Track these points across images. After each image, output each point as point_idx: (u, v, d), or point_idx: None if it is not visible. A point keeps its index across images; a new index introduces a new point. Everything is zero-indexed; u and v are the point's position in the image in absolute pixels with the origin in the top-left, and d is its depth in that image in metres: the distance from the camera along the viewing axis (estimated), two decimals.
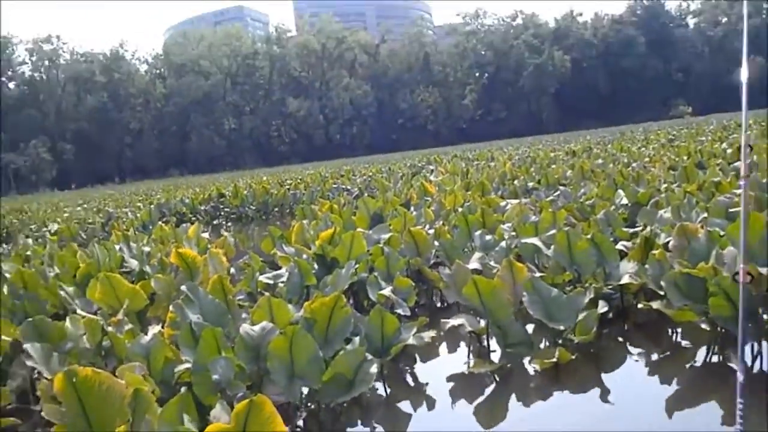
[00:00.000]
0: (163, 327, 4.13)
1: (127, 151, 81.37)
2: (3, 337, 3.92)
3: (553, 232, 5.39)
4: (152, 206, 15.84)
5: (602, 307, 4.20)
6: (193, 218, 16.17)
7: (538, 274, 4.84)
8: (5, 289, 5.52)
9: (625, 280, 4.55)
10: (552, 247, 5.02)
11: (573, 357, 3.92)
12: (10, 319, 4.57)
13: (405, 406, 3.98)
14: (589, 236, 5.03)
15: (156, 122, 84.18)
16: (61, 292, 5.05)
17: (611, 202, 7.26)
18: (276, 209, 17.14)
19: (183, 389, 2.58)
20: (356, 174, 23.49)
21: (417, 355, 4.65)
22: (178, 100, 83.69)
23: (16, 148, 72.64)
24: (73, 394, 2.07)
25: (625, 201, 7.13)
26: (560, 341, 4.26)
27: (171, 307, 3.91)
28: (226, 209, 17.76)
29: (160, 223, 11.05)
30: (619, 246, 5.23)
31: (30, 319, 3.86)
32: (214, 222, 16.33)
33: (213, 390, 3.22)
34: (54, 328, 3.81)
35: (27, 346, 3.45)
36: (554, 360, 3.85)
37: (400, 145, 74.32)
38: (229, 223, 16.31)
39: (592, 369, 4.07)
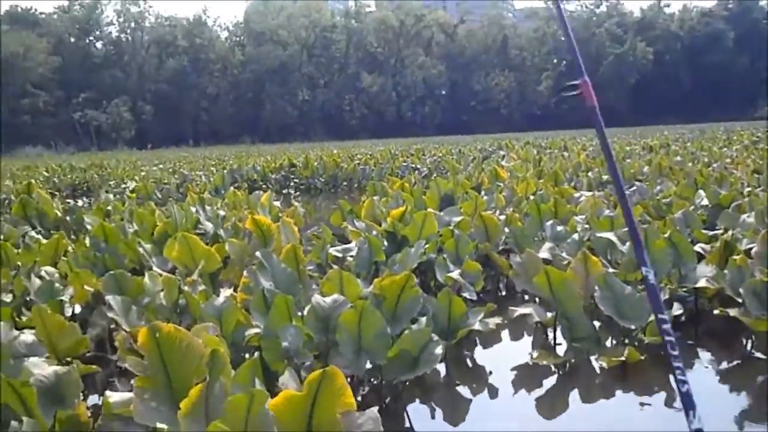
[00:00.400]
0: (234, 291, 4.24)
1: (202, 115, 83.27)
2: (85, 287, 4.10)
3: None
4: (225, 171, 16.18)
5: (676, 310, 4.10)
6: (264, 186, 16.45)
7: (610, 270, 4.75)
8: (87, 242, 5.76)
9: (702, 283, 4.42)
10: (627, 243, 4.91)
11: (642, 357, 3.84)
12: (90, 270, 4.77)
13: (465, 391, 3.98)
14: (666, 235, 4.90)
15: (232, 89, 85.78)
16: (140, 249, 5.23)
17: (690, 202, 7.04)
18: (344, 183, 17.27)
19: (256, 354, 2.64)
20: (426, 154, 23.41)
21: (480, 341, 4.64)
22: (255, 68, 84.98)
23: (99, 105, 75.38)
24: (155, 348, 2.15)
25: (705, 202, 6.90)
26: (629, 340, 4.18)
27: (245, 273, 3.99)
28: (295, 179, 17.99)
29: (232, 188, 11.28)
30: (697, 248, 5.08)
31: (112, 272, 4.02)
32: (284, 191, 16.58)
33: (281, 356, 3.30)
34: (133, 283, 3.96)
35: (109, 298, 3.60)
36: (622, 359, 3.78)
37: (471, 127, 73.58)
38: (298, 193, 16.54)
39: (660, 372, 3.97)
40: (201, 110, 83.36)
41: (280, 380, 2.87)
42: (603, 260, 5.05)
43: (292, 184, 17.75)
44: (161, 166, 24.48)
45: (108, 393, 2.25)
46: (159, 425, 2.10)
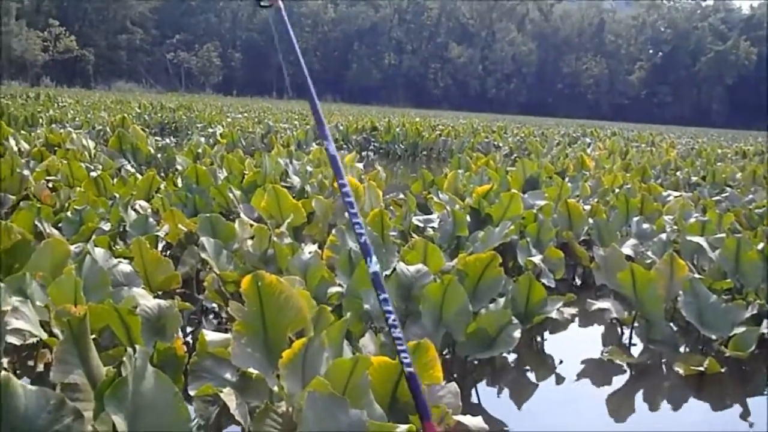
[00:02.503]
0: (319, 247, 4.33)
1: (289, 68, 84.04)
2: (179, 225, 4.26)
3: (722, 235, 5.11)
4: (308, 127, 16.37)
5: (765, 327, 3.96)
6: (344, 145, 16.59)
7: (696, 276, 4.63)
8: (179, 182, 5.95)
9: None
10: (718, 251, 4.77)
11: (722, 370, 3.74)
12: (181, 210, 4.94)
13: (533, 376, 3.99)
14: (759, 247, 4.74)
15: (320, 45, 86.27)
16: (230, 194, 5.38)
17: None
18: (424, 152, 17.24)
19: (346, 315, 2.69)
20: (508, 132, 23.10)
21: (552, 329, 4.61)
22: (345, 28, 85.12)
23: (191, 48, 77.16)
24: (256, 296, 2.23)
25: None
26: (707, 350, 4.09)
27: (333, 231, 4.07)
28: (375, 143, 18.07)
29: (315, 145, 11.43)
30: None
31: (208, 215, 4.16)
32: (363, 153, 16.69)
33: (362, 318, 3.37)
34: (227, 228, 4.10)
35: (203, 239, 3.73)
36: (702, 368, 3.70)
37: (555, 109, 72.14)
38: (376, 157, 16.61)
39: (738, 388, 3.88)
40: (288, 63, 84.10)
41: (360, 342, 2.94)
42: (689, 265, 4.93)
43: (371, 147, 17.83)
44: (246, 114, 24.94)
45: (204, 331, 2.35)
46: (253, 370, 2.19)
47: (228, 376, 2.29)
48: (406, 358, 1.61)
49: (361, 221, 1.90)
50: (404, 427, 1.74)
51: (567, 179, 8.40)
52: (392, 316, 1.65)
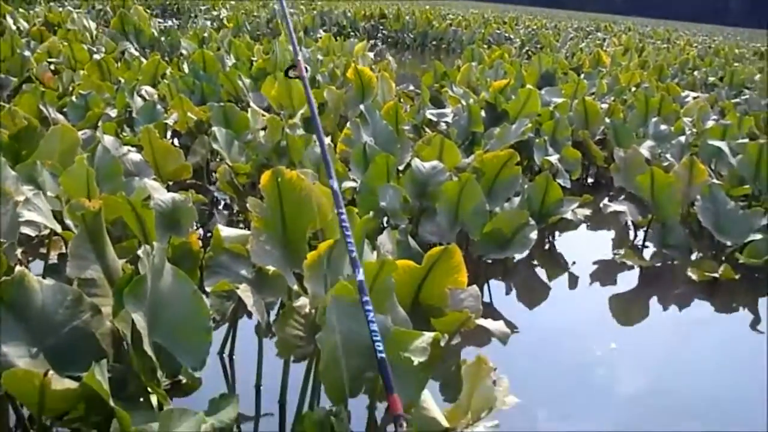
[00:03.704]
0: (331, 140, 4.21)
1: None
2: (189, 114, 4.13)
3: (744, 140, 4.99)
4: (315, 12, 15.81)
5: None
6: (352, 33, 16.09)
7: (714, 180, 4.54)
8: (185, 68, 5.75)
9: None
10: (739, 156, 4.66)
11: (736, 277, 3.72)
12: (188, 97, 4.78)
13: (544, 275, 3.98)
14: None
15: None
16: (240, 82, 5.21)
17: None
18: (433, 42, 16.74)
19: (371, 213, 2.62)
20: (519, 24, 22.38)
21: (566, 230, 4.56)
22: None
23: None
24: (276, 192, 2.14)
25: None
26: (720, 256, 4.06)
27: (348, 124, 3.95)
28: (384, 31, 17.52)
29: (322, 31, 11.04)
30: None
31: (221, 104, 4.02)
32: (371, 42, 16.21)
33: (377, 214, 3.31)
34: (240, 118, 3.96)
35: (215, 129, 3.62)
36: (716, 275, 3.67)
37: (568, 1, 69.70)
38: (384, 46, 16.14)
39: (750, 294, 3.86)
40: None
41: (378, 240, 2.88)
42: (707, 169, 4.83)
43: (380, 35, 17.30)
44: None
45: (219, 227, 2.28)
46: (270, 267, 2.14)
47: (244, 272, 2.25)
48: (379, 346, 1.57)
49: (352, 239, 1.81)
50: (429, 334, 1.70)
51: (582, 76, 8.15)
52: (371, 314, 1.60)
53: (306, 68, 2.33)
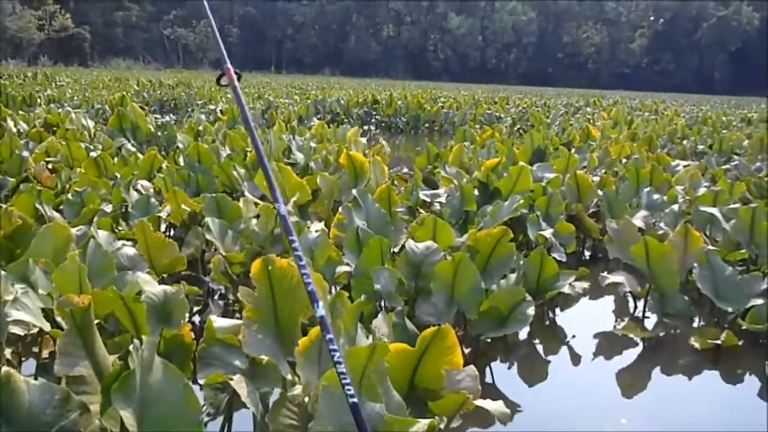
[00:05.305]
0: (324, 225, 4.24)
1: (287, 42, 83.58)
2: (182, 206, 4.17)
3: (735, 205, 5.02)
4: (309, 102, 16.20)
5: None
6: (345, 120, 16.44)
7: (710, 247, 4.54)
8: (182, 161, 5.84)
9: None
10: (732, 221, 4.68)
11: (739, 343, 3.67)
12: (183, 189, 4.85)
13: (545, 352, 3.92)
14: None
15: (318, 17, 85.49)
16: (235, 173, 5.28)
17: None
18: (426, 125, 17.08)
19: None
20: (510, 103, 22.89)
21: (563, 304, 4.54)
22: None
23: (188, 24, 76.44)
24: (266, 281, 2.14)
25: None
26: (722, 323, 4.02)
27: (340, 209, 3.98)
28: (377, 116, 17.90)
29: (316, 119, 11.28)
30: None
31: (213, 195, 4.06)
32: (365, 127, 16.54)
33: (371, 298, 3.29)
34: (232, 207, 4.00)
35: (208, 219, 3.64)
36: (718, 341, 3.63)
37: (555, 80, 71.65)
38: (378, 131, 16.46)
39: (755, 361, 3.80)
40: (285, 37, 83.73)
41: (373, 323, 2.86)
42: (702, 236, 4.85)
43: (373, 120, 17.67)
44: (246, 90, 24.71)
45: (212, 318, 2.27)
46: (264, 357, 2.11)
47: (237, 363, 2.22)
48: (349, 390, 1.55)
49: (309, 270, 1.81)
50: (424, 422, 1.66)
51: (573, 150, 8.28)
52: (337, 354, 1.58)
53: (237, 74, 2.31)
